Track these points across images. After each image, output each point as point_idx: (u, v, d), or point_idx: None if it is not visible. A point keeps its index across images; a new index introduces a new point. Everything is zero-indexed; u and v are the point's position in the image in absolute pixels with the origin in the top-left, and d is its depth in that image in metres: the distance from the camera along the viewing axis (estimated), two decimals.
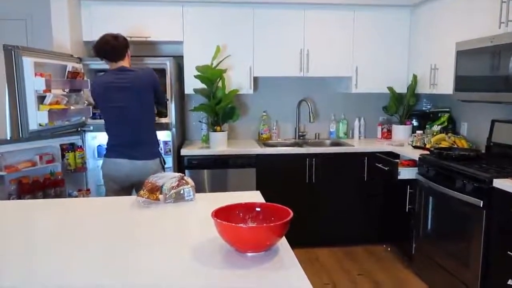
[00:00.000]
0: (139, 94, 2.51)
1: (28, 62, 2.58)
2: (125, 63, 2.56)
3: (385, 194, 3.55)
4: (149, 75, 2.57)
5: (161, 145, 3.35)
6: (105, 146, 2.63)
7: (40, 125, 2.63)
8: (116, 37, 2.52)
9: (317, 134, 4.08)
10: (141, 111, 2.53)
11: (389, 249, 3.59)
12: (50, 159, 2.77)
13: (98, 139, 3.27)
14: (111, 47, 2.49)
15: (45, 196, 2.69)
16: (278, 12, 3.58)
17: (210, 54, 3.37)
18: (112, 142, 2.58)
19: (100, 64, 2.80)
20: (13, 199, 2.51)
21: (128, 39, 2.60)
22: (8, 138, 2.55)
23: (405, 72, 3.80)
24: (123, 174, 2.52)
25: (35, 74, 2.57)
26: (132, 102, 2.49)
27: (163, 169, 2.65)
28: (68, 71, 2.89)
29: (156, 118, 2.87)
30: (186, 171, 3.33)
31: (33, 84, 2.57)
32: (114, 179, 2.55)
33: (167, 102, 3.10)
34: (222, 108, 3.36)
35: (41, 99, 2.63)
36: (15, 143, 2.57)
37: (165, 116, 3.26)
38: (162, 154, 2.74)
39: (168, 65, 3.23)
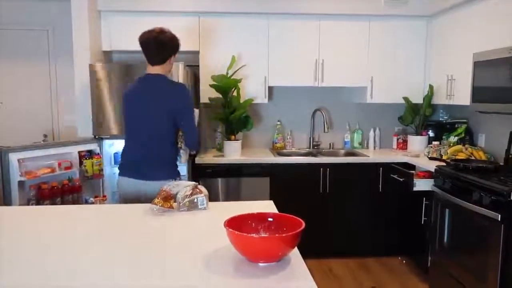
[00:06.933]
0: (157, 107, 2.18)
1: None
2: (162, 69, 2.23)
3: (400, 205, 3.50)
4: (178, 92, 2.23)
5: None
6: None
7: None
8: (164, 33, 2.18)
9: (331, 144, 4.07)
10: (154, 126, 2.21)
11: (404, 261, 3.53)
12: (69, 166, 2.83)
13: (115, 146, 3.33)
14: (155, 41, 2.15)
15: (63, 202, 2.74)
16: (293, 22, 3.61)
17: (225, 64, 3.42)
18: (124, 157, 2.31)
19: None
20: (32, 204, 2.57)
21: None
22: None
23: (421, 82, 3.77)
24: (134, 192, 2.23)
25: None
26: (148, 114, 2.20)
27: None
28: None
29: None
30: (200, 179, 3.35)
31: None
32: (125, 196, 2.26)
33: (196, 136, 2.35)
34: (236, 117, 3.39)
35: None
36: (35, 149, 2.64)
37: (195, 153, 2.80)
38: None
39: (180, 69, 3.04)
